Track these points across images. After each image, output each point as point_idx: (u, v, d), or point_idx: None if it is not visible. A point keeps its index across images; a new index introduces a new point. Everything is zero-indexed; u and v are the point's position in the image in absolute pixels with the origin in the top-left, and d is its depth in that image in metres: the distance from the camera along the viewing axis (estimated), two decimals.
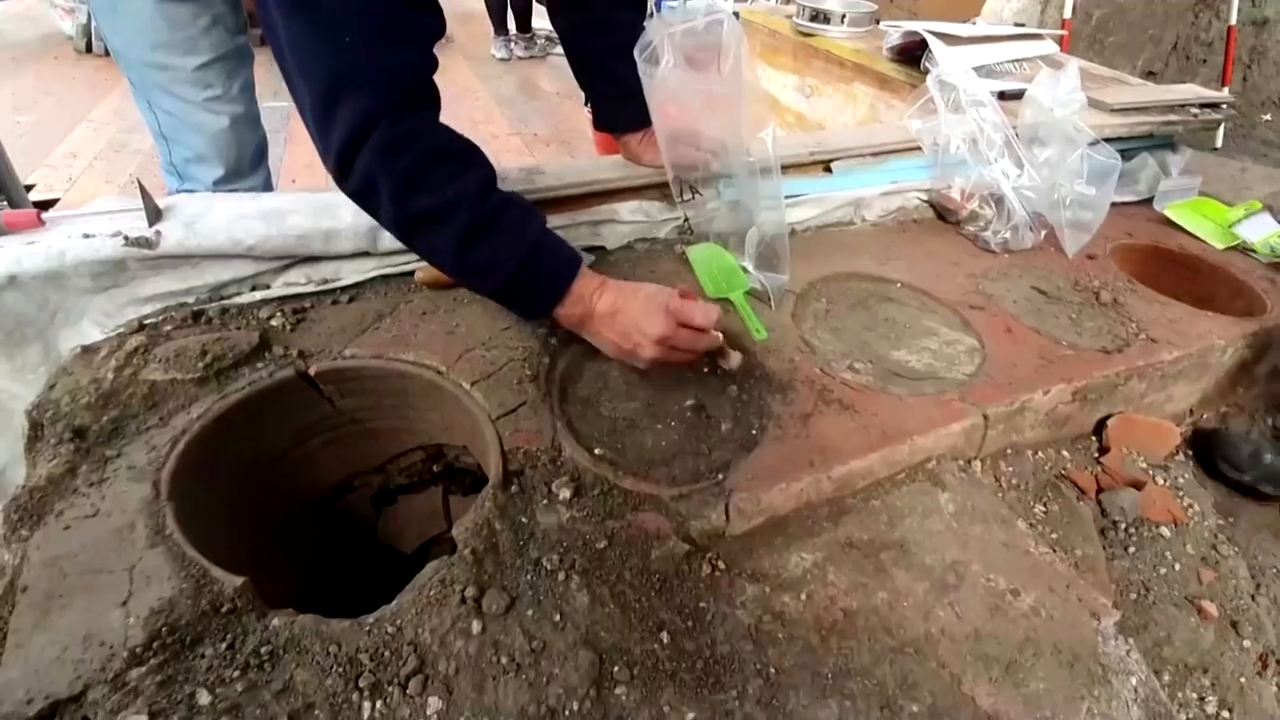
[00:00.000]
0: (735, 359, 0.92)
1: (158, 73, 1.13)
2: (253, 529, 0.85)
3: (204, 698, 0.56)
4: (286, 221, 0.94)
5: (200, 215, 0.92)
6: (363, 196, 0.80)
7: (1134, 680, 0.68)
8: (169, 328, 0.91)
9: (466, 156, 0.83)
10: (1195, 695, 0.81)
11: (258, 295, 0.97)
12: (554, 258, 0.88)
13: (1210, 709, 0.80)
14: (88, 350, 0.88)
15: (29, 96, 3.24)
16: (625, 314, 0.86)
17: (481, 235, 0.81)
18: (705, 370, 0.94)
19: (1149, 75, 3.45)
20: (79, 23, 3.72)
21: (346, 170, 0.77)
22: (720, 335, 0.90)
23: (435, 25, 0.79)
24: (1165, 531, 0.95)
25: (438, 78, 0.81)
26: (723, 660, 0.65)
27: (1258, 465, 1.02)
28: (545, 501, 0.74)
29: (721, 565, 0.73)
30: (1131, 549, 0.93)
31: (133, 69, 1.15)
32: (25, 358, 0.87)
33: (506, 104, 3.52)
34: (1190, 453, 1.10)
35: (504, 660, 0.61)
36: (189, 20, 1.09)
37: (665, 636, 0.66)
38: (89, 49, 3.75)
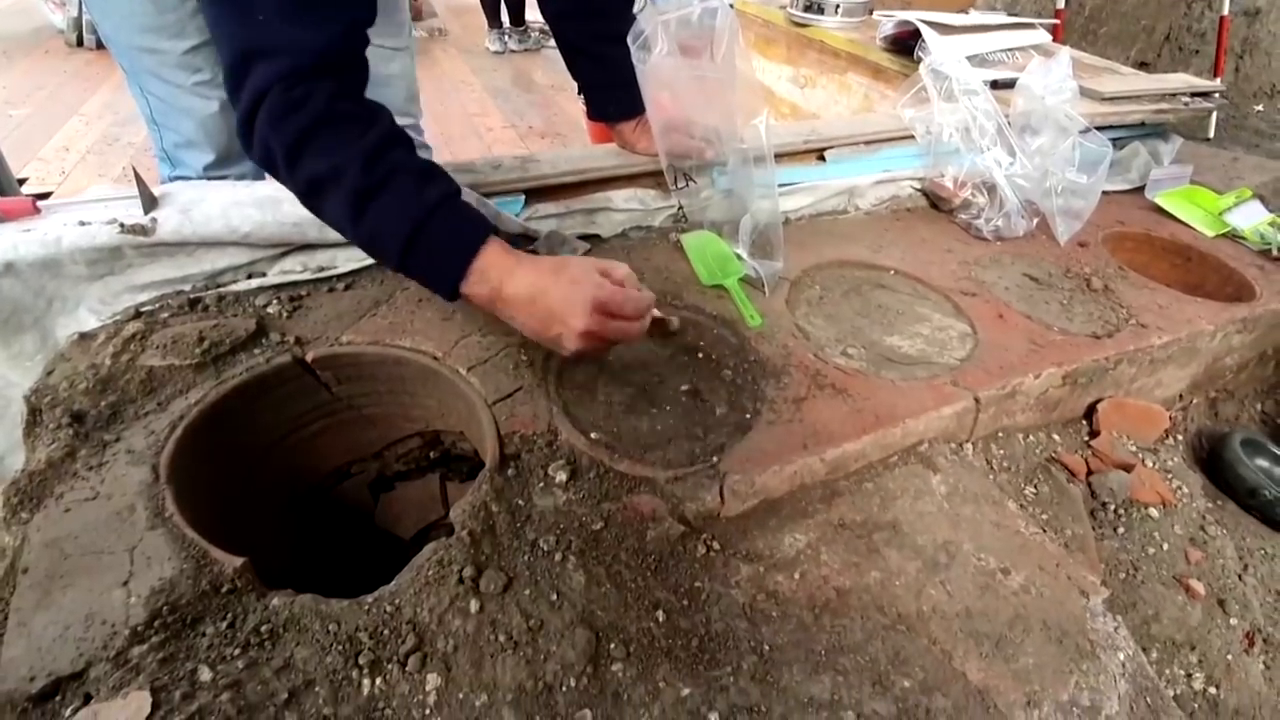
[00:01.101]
0: (674, 322, 0.94)
1: (147, 57, 1.12)
2: (251, 515, 0.86)
3: (205, 674, 0.56)
4: (281, 209, 0.94)
5: (195, 202, 0.92)
6: (265, 165, 0.78)
7: (1121, 656, 0.69)
8: (166, 315, 0.91)
9: (366, 120, 0.78)
10: (1183, 672, 0.82)
11: (254, 283, 0.97)
12: (451, 229, 0.80)
13: (1198, 685, 0.82)
14: (85, 337, 0.88)
15: (20, 90, 3.22)
16: (544, 301, 0.79)
17: (369, 200, 0.76)
18: (699, 356, 0.95)
19: (1142, 65, 3.47)
20: (70, 16, 3.68)
21: (249, 138, 0.75)
22: (653, 312, 0.84)
23: (360, 3, 0.77)
24: (1154, 513, 0.97)
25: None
26: (717, 638, 0.66)
27: (1256, 496, 1.03)
28: (542, 484, 0.75)
29: (716, 546, 0.74)
30: (1120, 529, 0.94)
31: (123, 54, 1.14)
32: (22, 345, 0.87)
33: (501, 97, 3.51)
34: (1188, 450, 1.11)
35: (502, 638, 0.62)
36: (177, 3, 1.08)
37: (661, 615, 0.66)
38: (80, 43, 3.72)
